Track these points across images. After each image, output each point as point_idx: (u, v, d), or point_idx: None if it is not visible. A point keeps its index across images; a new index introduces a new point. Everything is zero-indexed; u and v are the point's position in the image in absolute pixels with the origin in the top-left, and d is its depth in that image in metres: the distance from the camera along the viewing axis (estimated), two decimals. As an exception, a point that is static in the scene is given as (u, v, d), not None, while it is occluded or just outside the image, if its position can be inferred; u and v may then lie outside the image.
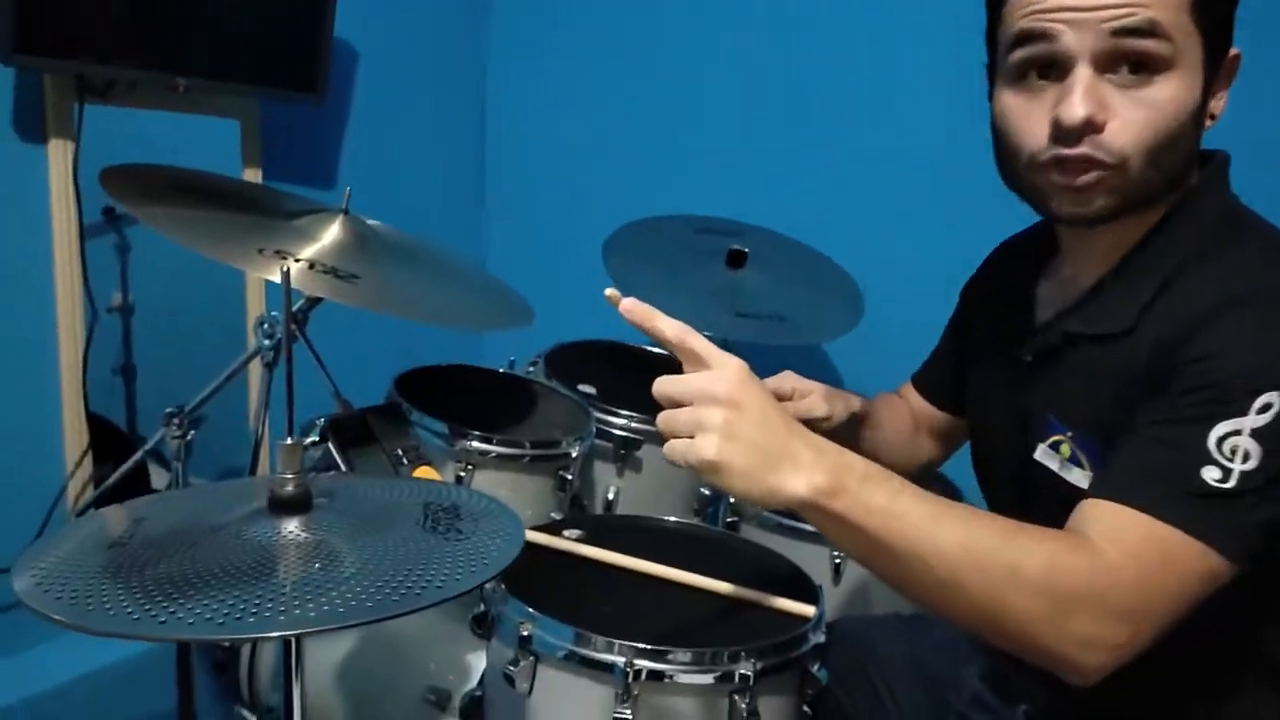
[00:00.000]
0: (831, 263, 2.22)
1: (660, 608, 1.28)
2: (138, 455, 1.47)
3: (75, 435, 2.09)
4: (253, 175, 2.22)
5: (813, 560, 1.68)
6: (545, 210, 2.77)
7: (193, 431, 1.50)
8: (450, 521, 0.94)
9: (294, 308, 1.46)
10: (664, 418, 0.92)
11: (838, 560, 1.69)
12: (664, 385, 0.92)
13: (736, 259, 2.15)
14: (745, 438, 0.86)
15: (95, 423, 2.20)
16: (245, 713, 1.83)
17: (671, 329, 0.92)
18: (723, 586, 1.31)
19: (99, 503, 1.67)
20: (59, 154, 1.89)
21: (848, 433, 1.35)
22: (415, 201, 2.59)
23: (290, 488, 0.90)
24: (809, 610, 1.27)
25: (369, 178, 2.40)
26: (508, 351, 1.97)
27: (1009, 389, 1.15)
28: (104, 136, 1.97)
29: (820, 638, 1.25)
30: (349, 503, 0.97)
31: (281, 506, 0.90)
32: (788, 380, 1.31)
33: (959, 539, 0.89)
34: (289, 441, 0.90)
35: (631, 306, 0.92)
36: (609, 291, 0.96)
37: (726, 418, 0.87)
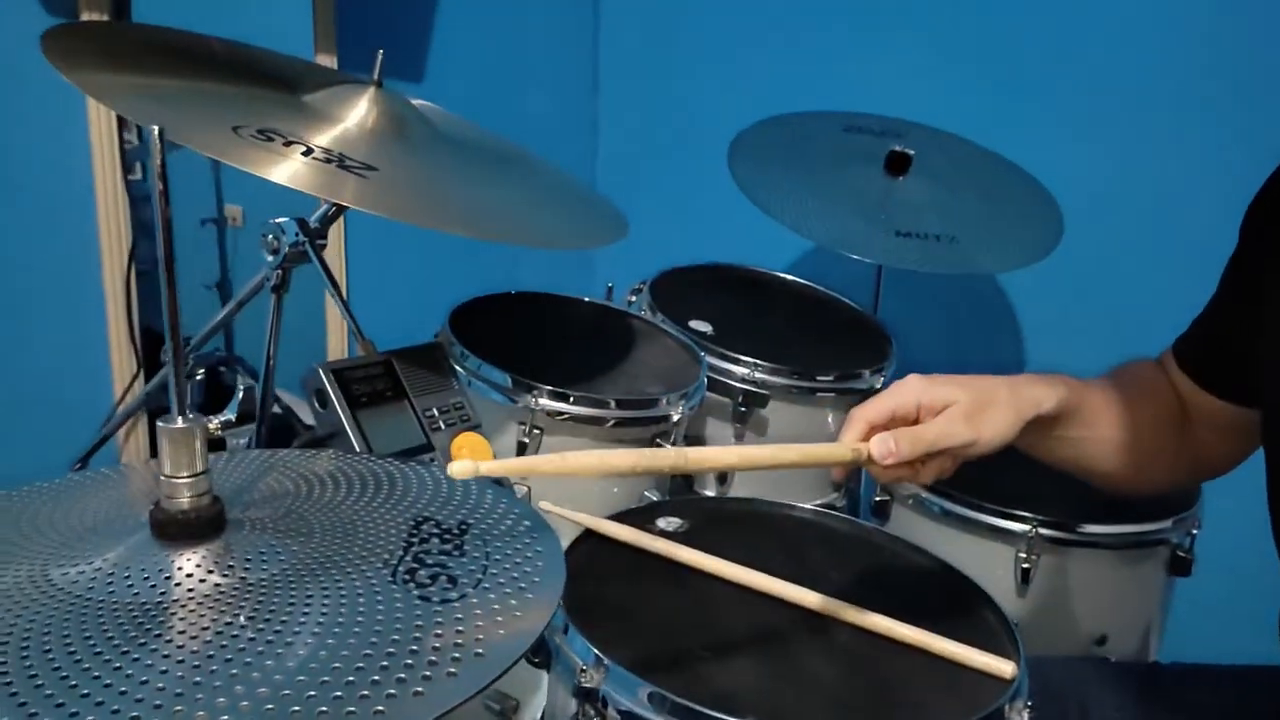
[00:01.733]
0: (1020, 171, 1.75)
1: (785, 652, 0.90)
2: (139, 399, 1.16)
3: (122, 357, 1.84)
4: (327, 63, 1.88)
5: (990, 561, 1.28)
6: (664, 107, 2.35)
7: (201, 370, 1.18)
8: (443, 559, 0.58)
9: (314, 215, 1.11)
10: None
11: (1026, 564, 1.26)
12: None
13: (898, 163, 1.71)
14: None
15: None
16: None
17: None
18: (874, 621, 0.91)
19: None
20: (90, 30, 1.58)
21: (1033, 442, 0.89)
22: (516, 97, 2.21)
23: (183, 501, 0.55)
24: (1005, 669, 0.86)
25: (461, 69, 2.03)
26: (625, 278, 1.59)
27: None
28: (148, 16, 1.67)
29: (1024, 714, 0.84)
30: (293, 516, 0.61)
31: (169, 531, 0.55)
32: (908, 392, 0.84)
33: None
34: (179, 424, 0.54)
35: None
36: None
37: None
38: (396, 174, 0.96)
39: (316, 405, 0.94)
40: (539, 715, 1.15)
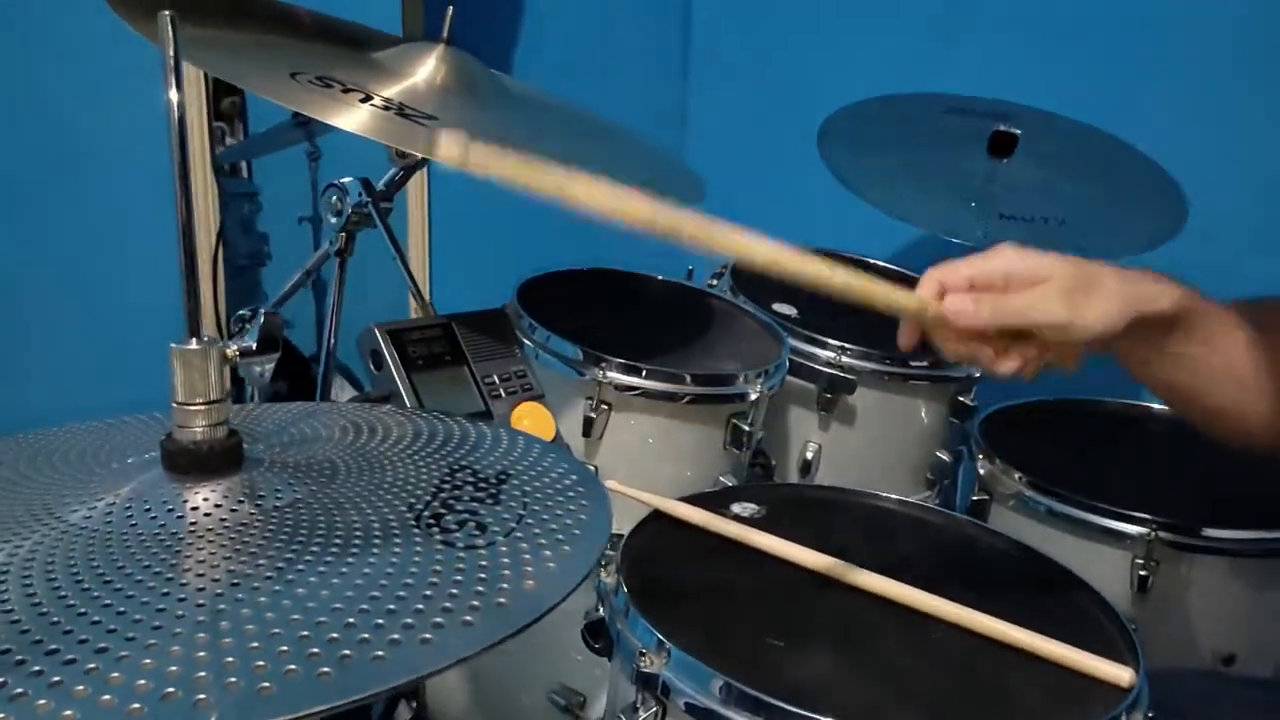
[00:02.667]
0: (1139, 154, 1.62)
1: (869, 647, 0.82)
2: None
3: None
4: (414, 42, 1.88)
5: (1103, 567, 1.16)
6: (756, 87, 2.27)
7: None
8: (474, 506, 0.51)
9: (381, 180, 1.08)
10: None
11: (1144, 571, 1.14)
12: None
13: (1002, 144, 1.60)
14: None
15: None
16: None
17: None
18: (973, 618, 0.82)
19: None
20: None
21: (1140, 353, 0.77)
22: (605, 85, 2.17)
23: (196, 431, 0.50)
24: (1122, 676, 0.76)
25: (550, 56, 2.00)
26: (714, 266, 1.52)
27: None
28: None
29: (1142, 725, 0.74)
30: (320, 457, 0.55)
31: (180, 463, 0.50)
32: (997, 259, 0.72)
33: None
34: (192, 345, 0.49)
35: None
36: None
37: None
38: (457, 124, 0.91)
39: (371, 367, 0.90)
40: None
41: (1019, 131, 1.61)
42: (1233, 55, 1.67)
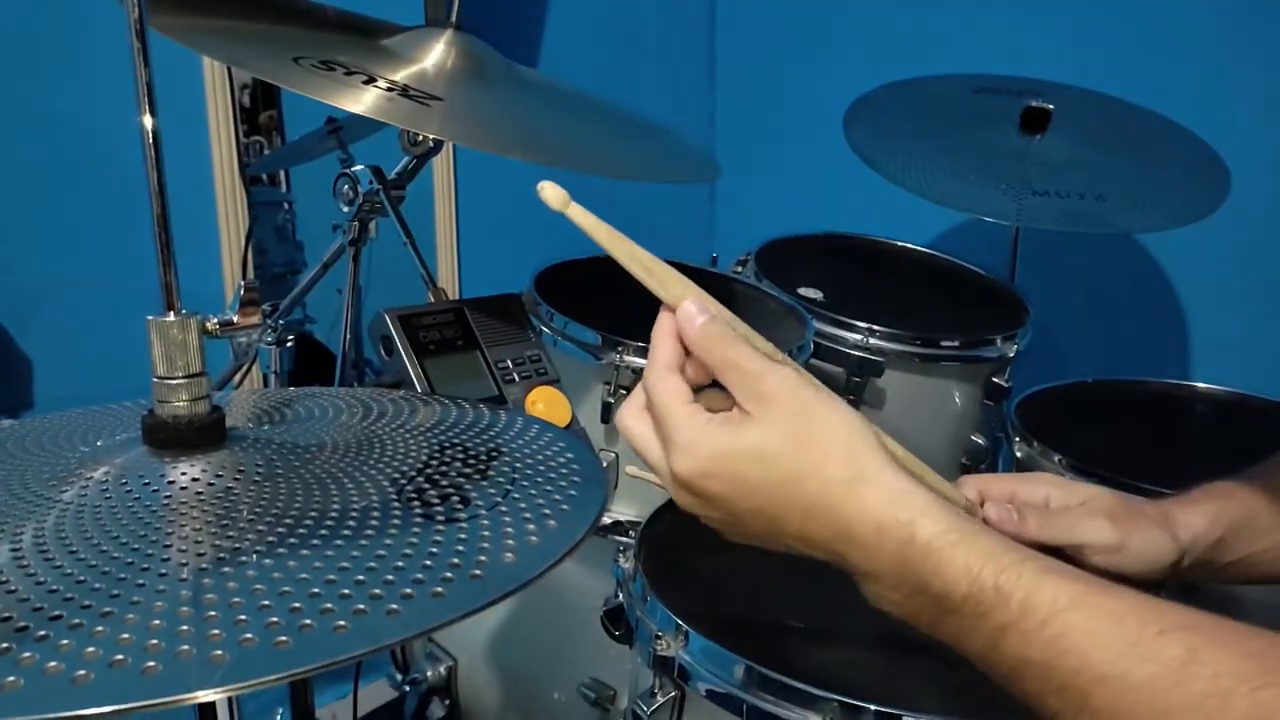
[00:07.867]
0: (1179, 128, 1.57)
1: (897, 630, 0.79)
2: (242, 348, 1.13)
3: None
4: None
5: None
6: (782, 76, 2.24)
7: (291, 337, 1.15)
8: (460, 481, 0.50)
9: (396, 170, 1.07)
10: None
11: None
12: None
13: (1035, 120, 1.57)
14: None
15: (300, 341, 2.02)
16: (393, 671, 1.53)
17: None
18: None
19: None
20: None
21: (1203, 576, 0.72)
22: (632, 74, 2.15)
23: (178, 405, 0.49)
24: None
25: (576, 45, 1.99)
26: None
27: None
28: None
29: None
30: (308, 434, 0.54)
31: (159, 438, 0.49)
32: (1039, 480, 0.71)
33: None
34: (170, 318, 0.48)
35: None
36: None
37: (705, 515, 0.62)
38: (463, 104, 0.90)
39: (383, 353, 0.89)
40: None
41: (1051, 106, 1.57)
42: (1268, 22, 1.61)
